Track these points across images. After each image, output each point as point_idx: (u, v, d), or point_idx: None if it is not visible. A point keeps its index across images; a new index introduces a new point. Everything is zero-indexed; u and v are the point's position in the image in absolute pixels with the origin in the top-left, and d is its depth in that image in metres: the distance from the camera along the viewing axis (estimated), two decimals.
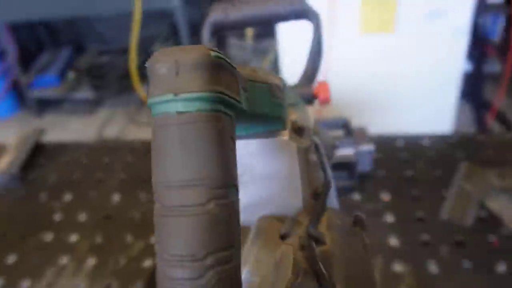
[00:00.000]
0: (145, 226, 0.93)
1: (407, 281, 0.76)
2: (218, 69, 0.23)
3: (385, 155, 1.03)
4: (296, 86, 0.55)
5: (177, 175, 0.22)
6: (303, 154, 0.36)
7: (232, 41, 2.86)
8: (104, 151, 1.19)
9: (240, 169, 0.35)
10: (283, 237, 0.35)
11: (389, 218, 0.88)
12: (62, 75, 3.19)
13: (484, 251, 0.80)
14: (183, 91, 0.22)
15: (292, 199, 0.37)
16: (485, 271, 0.76)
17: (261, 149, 0.36)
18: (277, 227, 0.36)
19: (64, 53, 3.32)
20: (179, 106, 0.21)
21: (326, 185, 0.40)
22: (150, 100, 0.23)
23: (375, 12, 1.73)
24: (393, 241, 0.83)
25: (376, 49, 1.81)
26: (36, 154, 1.18)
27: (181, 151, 0.22)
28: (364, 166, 0.92)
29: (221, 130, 0.22)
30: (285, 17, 0.56)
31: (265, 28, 2.26)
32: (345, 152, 0.89)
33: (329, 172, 0.43)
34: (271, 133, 0.35)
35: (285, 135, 0.35)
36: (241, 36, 2.74)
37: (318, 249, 0.32)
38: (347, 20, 1.76)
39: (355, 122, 0.95)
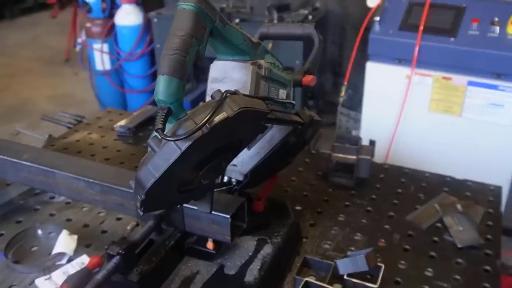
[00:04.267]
0: None
1: (362, 242, 1.07)
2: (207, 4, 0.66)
3: (393, 179, 1.33)
4: (290, 72, 0.94)
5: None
6: (256, 76, 0.77)
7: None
8: None
9: (222, 75, 0.77)
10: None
11: (368, 210, 1.19)
12: None
13: (423, 243, 1.07)
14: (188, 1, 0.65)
15: None
16: (418, 254, 1.04)
17: (235, 66, 0.77)
18: None
19: None
20: (183, 5, 0.65)
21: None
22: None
23: (444, 95, 2.04)
24: (363, 221, 1.14)
25: (441, 127, 2.10)
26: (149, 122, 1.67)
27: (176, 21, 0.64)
28: (362, 172, 1.25)
29: (197, 16, 0.64)
30: (300, 37, 0.98)
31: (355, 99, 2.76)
32: (349, 156, 1.24)
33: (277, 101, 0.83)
34: (242, 60, 0.77)
35: (249, 63, 0.76)
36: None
37: None
38: (418, 99, 2.10)
39: None
